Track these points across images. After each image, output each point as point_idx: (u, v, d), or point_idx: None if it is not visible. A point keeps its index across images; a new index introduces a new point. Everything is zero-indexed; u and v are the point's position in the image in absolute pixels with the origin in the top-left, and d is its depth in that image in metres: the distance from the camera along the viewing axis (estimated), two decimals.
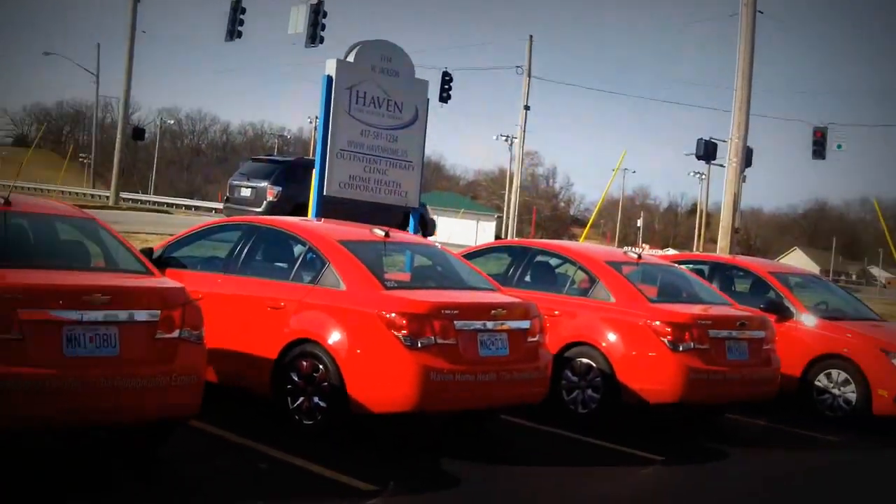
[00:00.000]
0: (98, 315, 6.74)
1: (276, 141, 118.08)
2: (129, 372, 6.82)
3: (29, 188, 60.12)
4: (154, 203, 69.05)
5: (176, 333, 7.15)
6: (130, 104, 43.97)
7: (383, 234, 9.89)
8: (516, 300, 9.67)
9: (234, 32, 35.05)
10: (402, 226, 16.53)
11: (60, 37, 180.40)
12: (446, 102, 41.55)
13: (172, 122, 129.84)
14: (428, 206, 25.92)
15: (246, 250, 9.92)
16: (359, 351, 8.52)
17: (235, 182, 24.71)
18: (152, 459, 7.61)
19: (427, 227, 24.79)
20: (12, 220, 7.58)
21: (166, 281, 7.68)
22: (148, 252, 9.39)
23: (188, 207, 69.68)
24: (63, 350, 6.58)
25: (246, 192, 23.40)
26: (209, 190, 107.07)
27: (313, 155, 18.05)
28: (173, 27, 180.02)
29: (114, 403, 6.75)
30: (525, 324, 9.31)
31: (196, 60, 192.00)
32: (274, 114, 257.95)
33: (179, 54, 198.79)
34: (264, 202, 22.97)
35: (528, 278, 11.99)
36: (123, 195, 49.09)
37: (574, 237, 77.26)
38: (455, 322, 8.63)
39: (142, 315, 7.01)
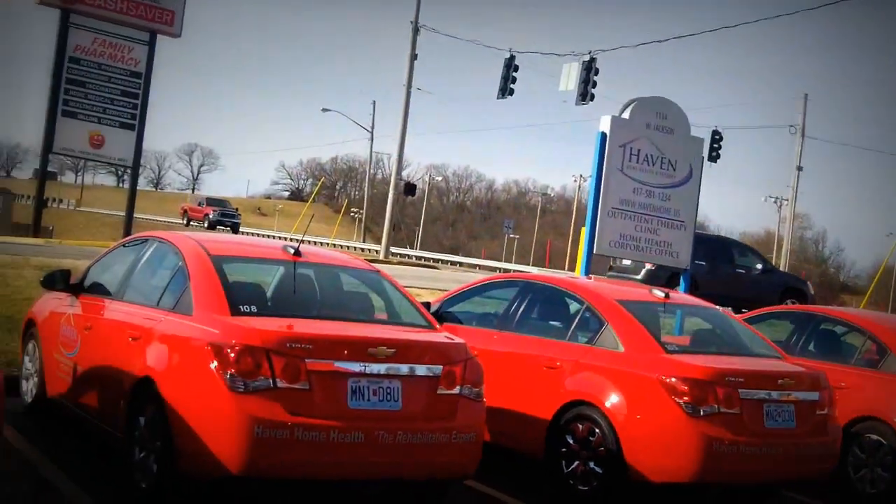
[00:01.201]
0: (381, 368, 6.70)
1: (540, 199, 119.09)
2: (411, 427, 6.72)
3: (306, 241, 62.50)
4: (421, 258, 70.90)
5: (457, 390, 7.00)
6: (402, 160, 45.19)
7: (663, 294, 9.49)
8: (804, 369, 9.02)
9: (506, 90, 35.65)
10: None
11: (338, 93, 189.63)
12: (715, 161, 40.48)
13: (440, 178, 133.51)
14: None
15: (522, 308, 9.74)
16: (638, 416, 8.10)
17: None
18: None
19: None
20: (301, 271, 7.71)
21: (448, 336, 7.56)
22: (426, 306, 9.39)
23: (454, 263, 71.02)
24: (348, 402, 6.56)
25: (627, 262, 23.34)
26: (472, 246, 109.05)
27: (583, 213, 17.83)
28: (444, 84, 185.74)
29: (394, 459, 6.65)
30: (814, 395, 8.65)
31: (465, 118, 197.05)
32: (538, 171, 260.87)
33: (450, 111, 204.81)
34: (643, 270, 22.97)
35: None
36: (392, 249, 50.59)
37: (843, 304, 73.49)
38: (739, 390, 8.10)
39: (424, 370, 6.90)
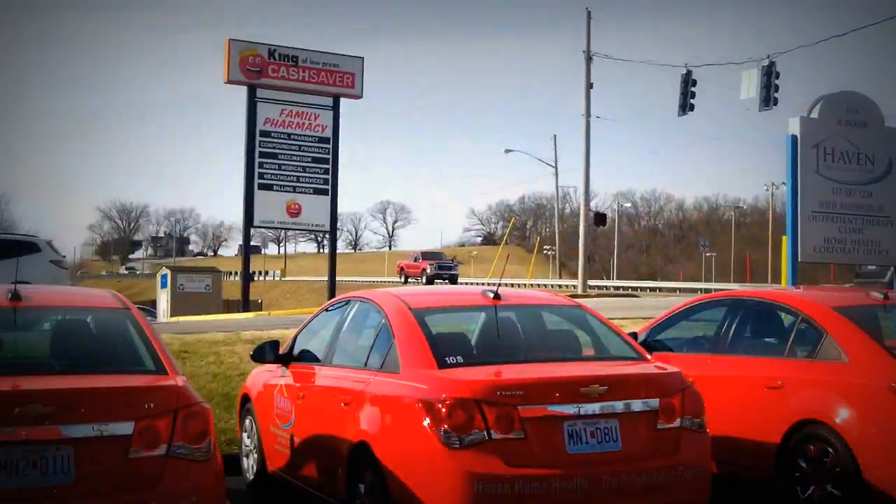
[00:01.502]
0: (596, 407, 6.49)
1: (733, 213, 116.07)
2: (634, 468, 6.46)
3: (502, 284, 62.72)
4: (620, 288, 70.00)
5: (677, 422, 6.71)
6: (589, 191, 44.85)
7: (882, 296, 8.86)
8: None
9: (686, 106, 35.02)
10: None
11: (519, 132, 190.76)
12: None
13: (629, 204, 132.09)
14: None
15: (732, 327, 9.33)
16: (873, 430, 7.55)
17: None
18: None
19: None
20: (503, 314, 7.61)
21: (661, 366, 7.27)
22: (633, 337, 9.12)
23: (653, 289, 69.83)
24: (566, 447, 6.38)
25: (872, 267, 22.67)
26: (670, 270, 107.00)
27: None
28: (623, 108, 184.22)
29: (619, 503, 6.42)
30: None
31: (646, 140, 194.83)
32: (728, 185, 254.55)
33: (629, 135, 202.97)
34: (888, 273, 22.27)
35: None
36: (590, 282, 50.12)
37: None
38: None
39: (641, 404, 6.64)
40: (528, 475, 6.22)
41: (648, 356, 7.56)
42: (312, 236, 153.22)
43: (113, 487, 5.57)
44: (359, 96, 37.22)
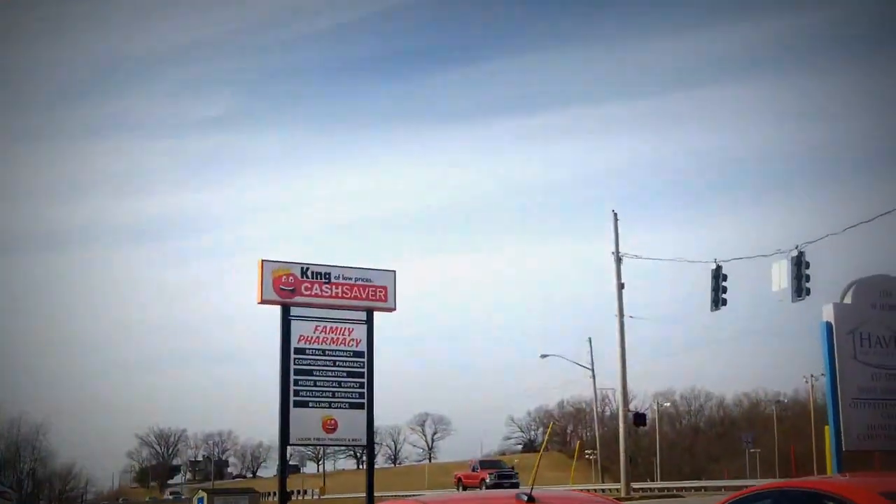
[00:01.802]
0: None
1: (774, 407, 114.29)
2: None
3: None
4: (664, 489, 68.28)
5: None
6: (627, 392, 44.46)
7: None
8: None
9: (718, 301, 35.11)
10: None
11: (554, 336, 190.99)
12: None
13: (668, 404, 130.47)
14: None
15: None
16: None
17: None
18: None
19: None
20: None
21: None
22: None
23: (698, 489, 68.13)
24: None
25: None
26: (714, 469, 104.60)
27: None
28: (654, 306, 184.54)
29: None
30: None
31: (682, 337, 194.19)
32: (767, 379, 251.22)
33: (665, 333, 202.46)
34: None
35: None
36: (633, 485, 49.00)
37: None
38: None
39: None
40: None
41: None
42: (351, 452, 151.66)
43: None
44: (392, 309, 37.57)
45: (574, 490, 11.24)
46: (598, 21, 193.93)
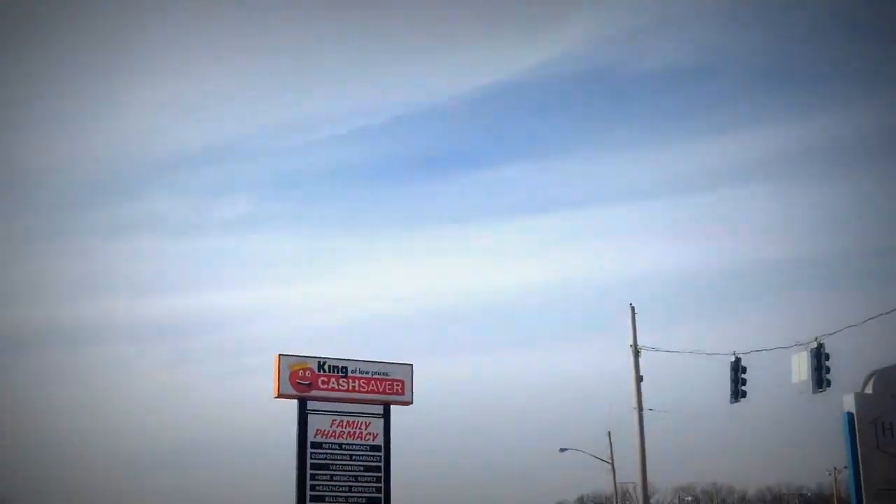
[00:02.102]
0: None
1: (797, 501, 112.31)
2: None
3: None
4: None
5: None
6: (648, 486, 43.85)
7: None
8: None
9: (737, 393, 34.91)
10: None
11: (577, 430, 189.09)
12: None
13: (690, 498, 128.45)
14: None
15: None
16: None
17: None
18: None
19: None
20: None
21: None
22: None
23: None
24: None
25: None
26: None
27: None
28: (674, 399, 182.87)
29: None
30: None
31: (702, 430, 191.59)
32: (790, 472, 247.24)
33: (685, 427, 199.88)
34: None
35: None
36: None
37: None
38: None
39: None
40: None
41: None
42: None
43: None
44: (409, 402, 37.36)
45: None
46: (612, 125, 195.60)
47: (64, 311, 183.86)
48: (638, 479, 45.03)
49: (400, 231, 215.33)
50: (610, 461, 70.87)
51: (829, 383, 31.25)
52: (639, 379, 43.17)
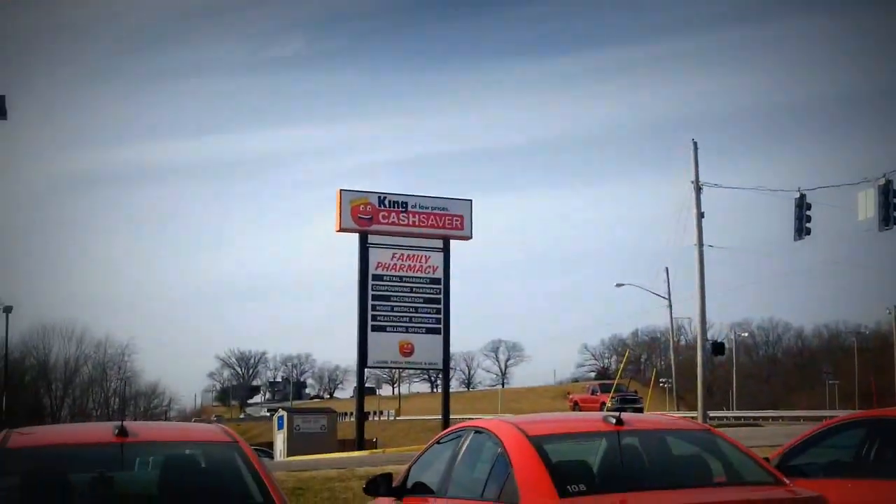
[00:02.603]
0: None
1: (854, 339, 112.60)
2: None
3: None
4: (740, 418, 68.01)
5: None
6: (705, 321, 43.94)
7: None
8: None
9: (801, 230, 34.43)
10: None
11: (631, 266, 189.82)
12: None
13: (746, 334, 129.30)
14: None
15: (874, 449, 8.77)
16: None
17: None
18: None
19: None
20: (626, 441, 7.27)
21: (802, 491, 6.80)
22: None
23: (775, 419, 67.78)
24: None
25: None
26: (791, 399, 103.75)
27: None
28: (733, 236, 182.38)
29: None
30: None
31: (761, 267, 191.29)
32: (848, 311, 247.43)
33: (743, 264, 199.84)
34: None
35: None
36: (709, 413, 48.70)
37: None
38: None
39: None
40: None
41: (787, 481, 7.05)
42: (426, 376, 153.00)
43: None
44: (468, 237, 37.50)
45: (660, 415, 10.75)
46: None
47: (123, 151, 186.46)
48: (694, 315, 45.13)
49: (459, 68, 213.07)
50: (667, 297, 71.19)
51: (895, 221, 30.67)
52: (700, 215, 42.75)
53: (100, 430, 7.17)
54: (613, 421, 7.35)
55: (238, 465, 6.61)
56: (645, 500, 6.44)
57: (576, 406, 58.50)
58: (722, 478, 7.21)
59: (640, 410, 51.44)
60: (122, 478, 7.32)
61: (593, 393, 58.20)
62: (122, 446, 6.57)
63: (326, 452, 38.11)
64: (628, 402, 52.51)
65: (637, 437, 7.50)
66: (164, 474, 6.83)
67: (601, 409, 47.70)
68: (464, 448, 8.13)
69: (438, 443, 9.00)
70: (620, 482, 6.84)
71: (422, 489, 8.56)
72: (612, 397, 53.03)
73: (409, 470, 9.02)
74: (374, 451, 38.36)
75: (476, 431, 8.14)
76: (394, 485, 8.86)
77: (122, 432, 6.56)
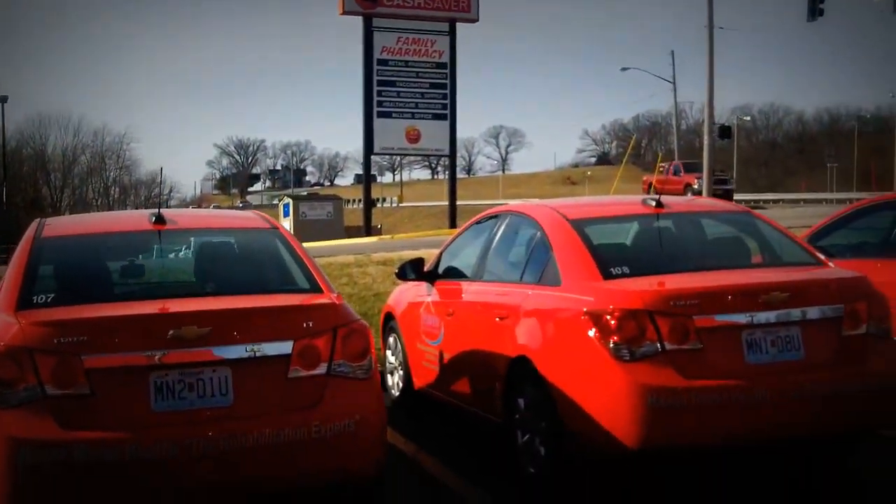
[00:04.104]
0: (776, 315, 6.10)
1: (854, 123, 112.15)
2: (818, 377, 6.07)
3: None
4: (741, 201, 68.40)
5: (863, 329, 6.26)
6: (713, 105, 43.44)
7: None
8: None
9: (815, 11, 33.64)
10: None
11: (636, 50, 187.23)
12: None
13: (748, 118, 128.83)
14: None
15: None
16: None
17: None
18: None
19: None
20: (667, 223, 7.27)
21: (845, 271, 6.81)
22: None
23: (775, 201, 68.47)
24: (744, 357, 6.03)
25: None
26: (790, 182, 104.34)
27: None
28: (739, 20, 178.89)
29: (803, 415, 6.04)
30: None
31: (764, 51, 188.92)
32: (849, 95, 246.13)
33: (748, 47, 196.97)
34: None
35: None
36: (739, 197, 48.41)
37: None
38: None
39: (824, 311, 6.22)
40: (705, 387, 5.88)
41: (827, 262, 7.08)
42: (427, 163, 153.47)
43: (273, 408, 5.39)
44: (475, 20, 36.65)
45: (698, 197, 10.61)
46: None
47: None
48: (704, 98, 44.56)
49: None
50: (671, 80, 70.39)
51: None
52: None
53: (136, 218, 7.07)
54: (653, 203, 7.32)
55: (280, 251, 6.56)
56: (691, 280, 6.44)
57: (650, 189, 47.01)
58: (761, 258, 7.25)
59: (730, 193, 46.16)
60: (162, 264, 7.33)
61: (675, 173, 48.07)
62: (159, 233, 6.51)
63: (334, 239, 38.52)
64: (720, 183, 44.45)
65: (678, 219, 7.50)
66: (205, 261, 6.78)
67: (686, 191, 43.95)
68: (499, 233, 8.11)
69: (473, 227, 8.95)
70: (664, 263, 6.85)
71: (455, 273, 8.62)
72: (698, 177, 42.94)
73: (440, 255, 9.06)
74: (383, 237, 38.77)
75: (512, 216, 8.11)
76: (425, 269, 8.90)
77: (160, 220, 6.48)
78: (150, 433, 5.13)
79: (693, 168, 46.84)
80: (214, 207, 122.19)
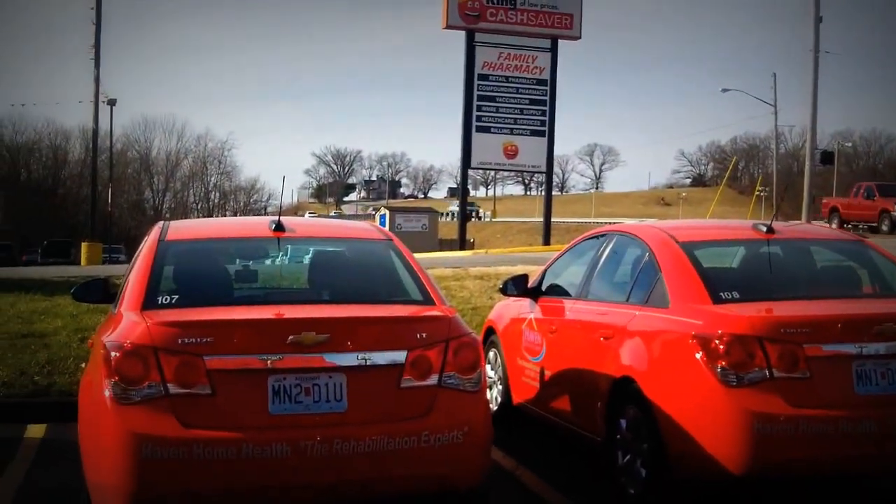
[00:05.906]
0: (882, 347, 6.05)
1: None
2: None
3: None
4: (840, 228, 66.94)
5: None
6: (816, 128, 42.71)
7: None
8: None
9: None
10: None
11: (733, 72, 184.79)
12: None
13: (849, 144, 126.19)
14: None
15: None
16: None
17: None
18: None
19: None
20: (777, 249, 7.25)
21: None
22: None
23: (874, 230, 66.99)
24: (854, 388, 5.99)
25: None
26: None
27: None
28: (837, 45, 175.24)
29: None
30: None
31: (870, 76, 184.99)
32: None
33: (848, 73, 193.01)
34: None
35: None
36: (813, 223, 47.98)
37: None
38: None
39: None
40: (812, 416, 5.87)
41: None
42: (520, 178, 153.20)
43: (385, 416, 5.50)
44: (577, 37, 36.61)
45: (809, 224, 10.58)
46: None
47: None
48: (798, 123, 43.83)
49: None
50: (773, 103, 69.39)
51: None
52: (818, 19, 41.05)
53: (257, 225, 7.30)
54: (764, 229, 7.30)
55: (394, 262, 6.70)
56: (802, 307, 6.42)
57: (833, 213, 41.29)
58: (872, 288, 7.19)
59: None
60: (279, 270, 7.53)
61: (867, 196, 39.89)
62: (278, 241, 6.69)
63: (428, 251, 38.75)
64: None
65: (789, 246, 7.46)
66: (321, 269, 6.98)
67: (881, 220, 38.38)
68: (605, 253, 8.15)
69: (577, 246, 9.02)
70: (774, 289, 6.84)
71: (559, 291, 8.68)
72: None
73: (544, 272, 9.12)
74: (477, 251, 38.88)
75: (619, 236, 8.15)
76: (529, 285, 8.98)
77: (279, 227, 6.66)
78: (267, 434, 5.29)
79: (890, 192, 39.92)
80: (310, 215, 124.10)
